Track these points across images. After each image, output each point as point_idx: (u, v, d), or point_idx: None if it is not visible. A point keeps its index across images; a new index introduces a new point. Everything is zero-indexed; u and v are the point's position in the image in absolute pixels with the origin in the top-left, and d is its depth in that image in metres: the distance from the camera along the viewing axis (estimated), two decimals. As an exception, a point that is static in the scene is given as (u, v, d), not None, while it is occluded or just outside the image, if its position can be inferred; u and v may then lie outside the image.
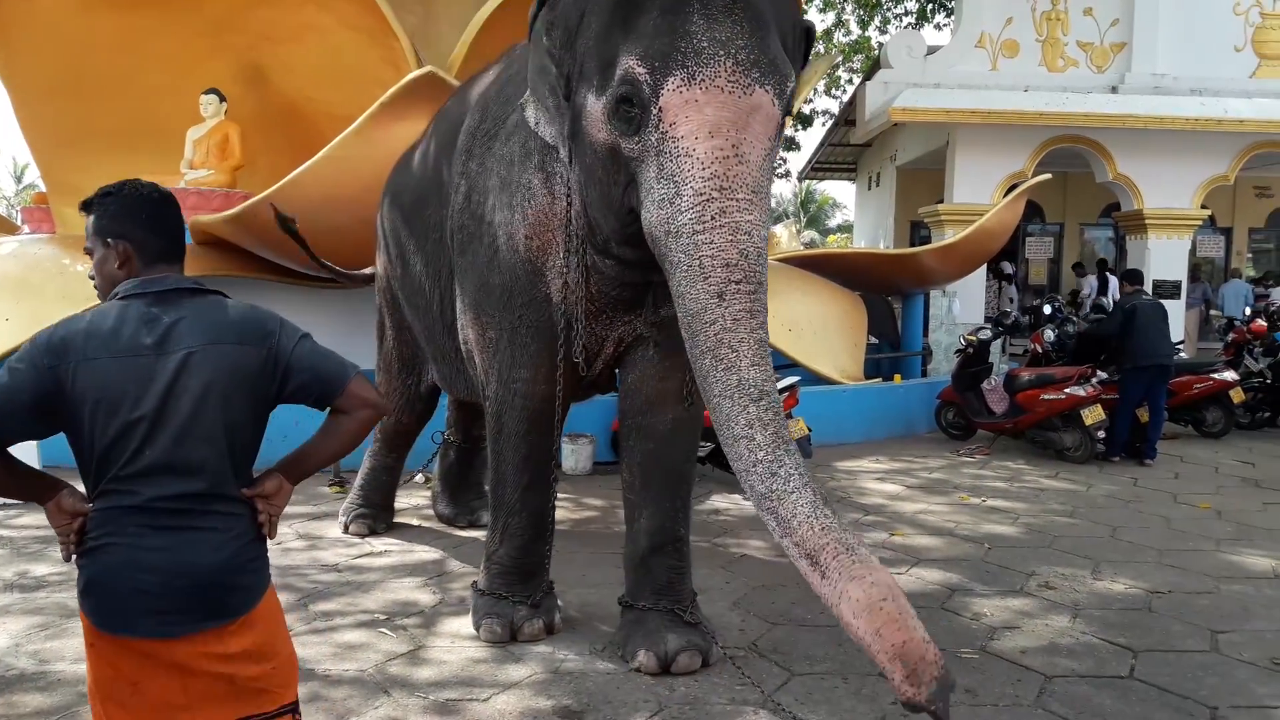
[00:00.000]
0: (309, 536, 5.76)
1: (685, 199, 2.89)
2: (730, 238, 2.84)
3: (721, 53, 2.89)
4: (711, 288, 2.82)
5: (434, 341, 4.97)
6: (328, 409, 2.24)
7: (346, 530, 5.79)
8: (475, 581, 4.34)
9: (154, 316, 2.02)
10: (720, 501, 6.78)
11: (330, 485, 6.96)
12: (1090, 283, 15.35)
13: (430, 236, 4.65)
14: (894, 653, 2.32)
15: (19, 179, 36.52)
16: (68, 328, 2.00)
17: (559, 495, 6.78)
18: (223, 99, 9.48)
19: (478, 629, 4.13)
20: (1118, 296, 9.76)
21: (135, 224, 2.13)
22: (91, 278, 2.18)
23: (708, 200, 2.86)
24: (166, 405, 1.97)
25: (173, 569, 1.96)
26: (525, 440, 4.02)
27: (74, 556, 2.02)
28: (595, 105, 3.18)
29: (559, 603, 4.31)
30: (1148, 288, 12.39)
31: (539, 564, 4.21)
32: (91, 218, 2.14)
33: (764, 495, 2.64)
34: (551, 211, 3.66)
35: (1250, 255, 18.33)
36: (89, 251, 2.17)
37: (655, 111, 2.96)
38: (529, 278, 3.80)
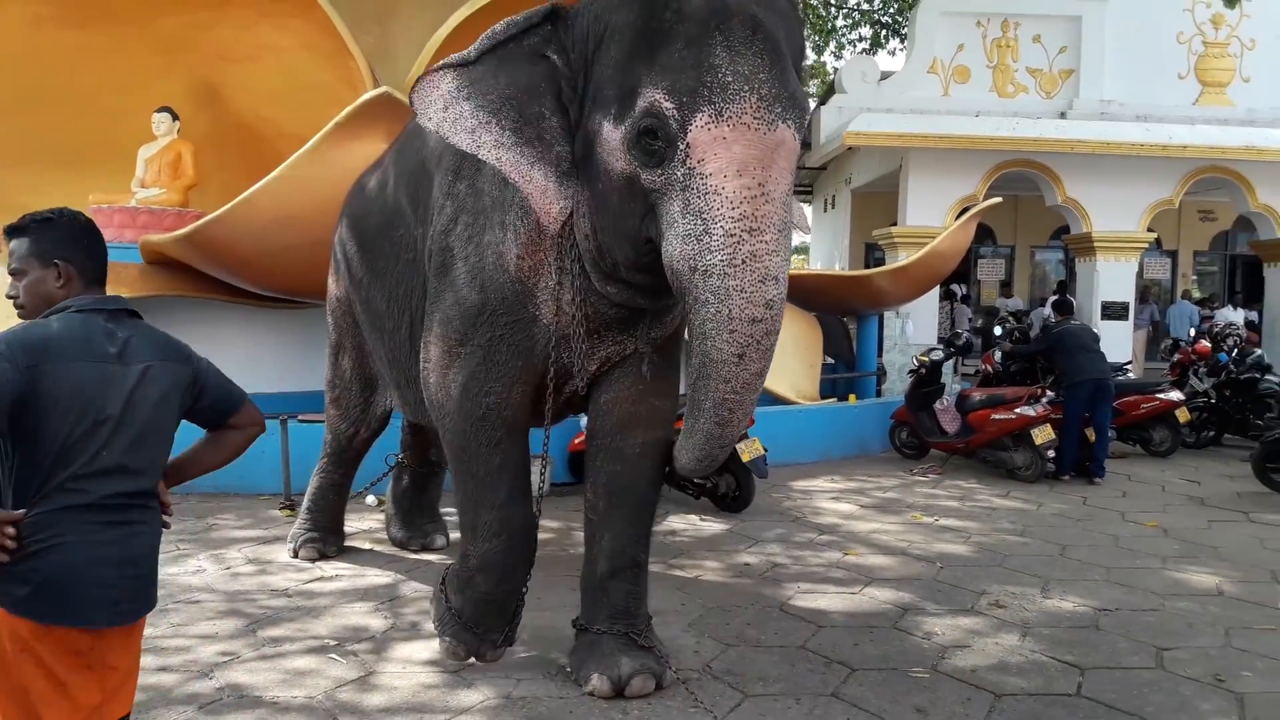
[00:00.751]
0: (258, 560, 5.67)
1: (715, 238, 2.91)
2: (759, 286, 2.90)
3: (746, 88, 2.91)
4: (734, 345, 2.93)
5: (398, 365, 4.84)
6: (212, 426, 2.51)
7: (296, 555, 5.70)
8: (444, 586, 4.12)
9: (111, 331, 2.24)
10: (677, 523, 6.79)
11: (281, 508, 6.87)
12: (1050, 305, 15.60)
13: (401, 258, 4.52)
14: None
15: (-35, 196, 35.86)
16: (41, 331, 2.14)
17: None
18: (175, 117, 9.39)
19: (440, 638, 4.08)
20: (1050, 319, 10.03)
21: (78, 248, 2.31)
22: (11, 296, 2.31)
23: (738, 242, 2.89)
24: (127, 411, 2.19)
25: (123, 560, 2.18)
26: (498, 450, 3.85)
27: None
28: (612, 133, 3.14)
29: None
30: (1096, 309, 12.70)
31: (516, 594, 4.01)
32: (27, 240, 2.30)
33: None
34: (544, 231, 3.55)
35: (1195, 277, 18.76)
36: (17, 273, 2.29)
37: (682, 147, 2.96)
38: (517, 297, 3.69)
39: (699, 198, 2.95)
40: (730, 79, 2.92)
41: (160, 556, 4.97)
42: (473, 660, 4.03)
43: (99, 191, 9.33)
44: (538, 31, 3.32)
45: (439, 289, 4.00)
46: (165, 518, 2.37)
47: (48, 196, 10.63)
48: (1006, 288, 15.64)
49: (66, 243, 2.29)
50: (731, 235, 2.90)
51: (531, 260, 3.63)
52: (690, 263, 2.98)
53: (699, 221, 2.95)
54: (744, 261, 2.89)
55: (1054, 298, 15.16)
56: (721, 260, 2.90)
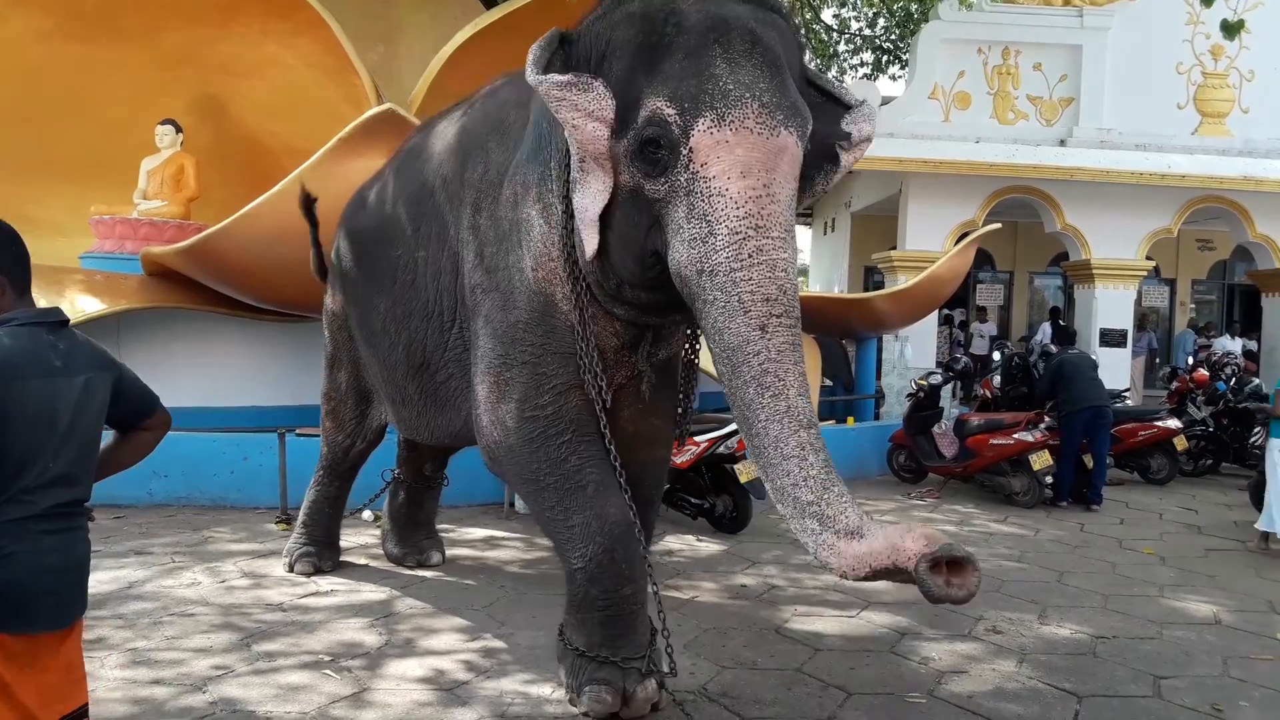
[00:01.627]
0: (253, 575, 5.65)
1: (720, 237, 2.94)
2: (769, 274, 2.92)
3: (747, 95, 2.96)
4: (754, 321, 2.91)
5: (394, 384, 4.84)
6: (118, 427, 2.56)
7: (291, 570, 5.68)
8: (563, 635, 3.85)
9: (54, 344, 2.27)
10: (674, 543, 6.76)
11: (277, 522, 6.85)
12: (1044, 329, 15.59)
13: (399, 278, 4.52)
14: (925, 539, 2.76)
15: (-34, 206, 35.96)
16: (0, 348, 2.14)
17: (508, 536, 6.76)
18: (179, 130, 9.42)
19: (578, 697, 3.69)
20: (1046, 344, 10.09)
21: (7, 258, 2.31)
22: None
23: (744, 238, 2.92)
24: (74, 423, 2.26)
25: (66, 565, 2.25)
26: (569, 452, 3.64)
27: None
28: (614, 148, 3.16)
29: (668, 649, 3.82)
30: (1095, 335, 12.72)
31: (640, 601, 3.69)
32: None
33: (810, 502, 2.82)
34: (551, 240, 3.56)
35: (1193, 306, 18.80)
36: None
37: (685, 152, 3.00)
38: (544, 307, 3.66)
39: (703, 201, 2.97)
40: (731, 87, 2.97)
41: (155, 569, 4.95)
42: (620, 706, 3.62)
43: (101, 203, 9.35)
44: (558, 56, 3.31)
45: (477, 330, 3.95)
46: (89, 522, 2.42)
47: (50, 207, 10.72)
48: (981, 312, 15.67)
49: None
50: (737, 234, 2.92)
51: (544, 271, 3.63)
52: (697, 266, 2.99)
53: (704, 224, 2.97)
54: (750, 256, 2.92)
55: (1047, 324, 15.29)
56: (727, 258, 2.92)
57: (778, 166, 2.99)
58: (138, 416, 2.52)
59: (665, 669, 3.79)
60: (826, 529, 2.78)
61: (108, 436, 2.53)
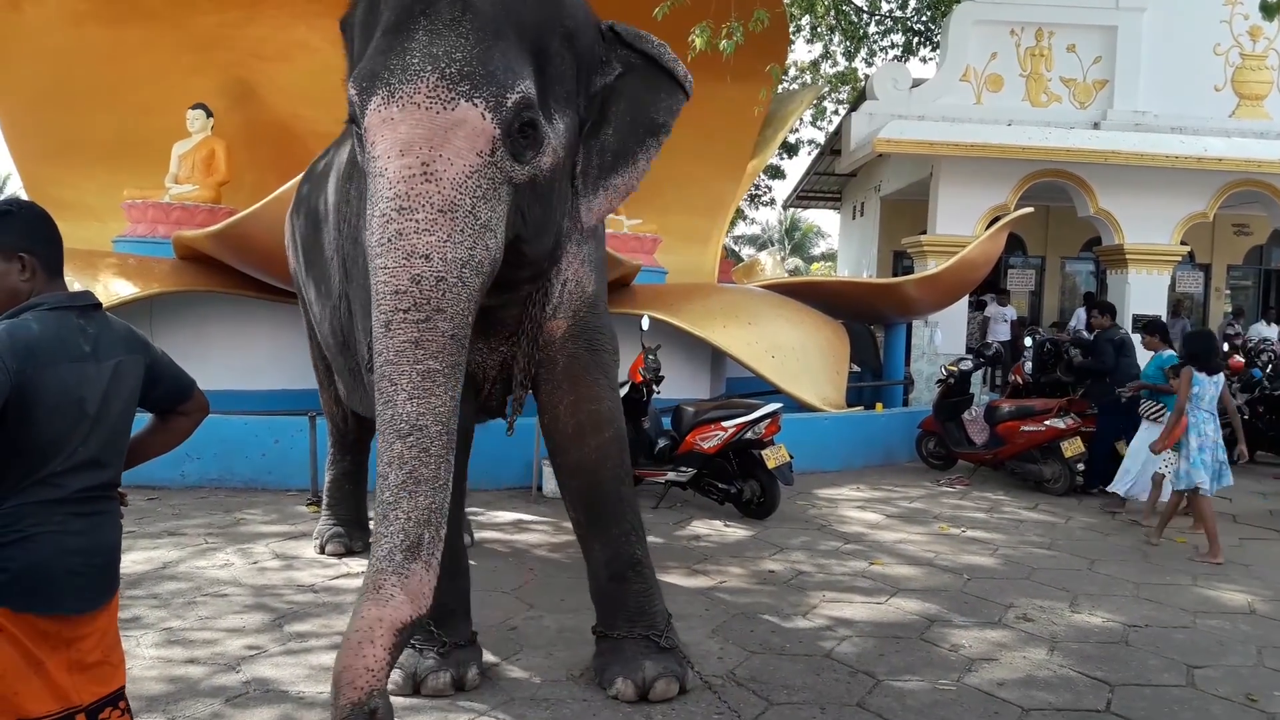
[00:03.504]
0: (284, 556, 5.70)
1: (374, 220, 2.83)
2: (403, 262, 2.74)
3: (429, 68, 2.82)
4: (381, 317, 2.77)
5: (334, 356, 4.90)
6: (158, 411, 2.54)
7: (322, 551, 5.73)
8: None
9: (83, 327, 2.24)
10: (701, 528, 6.76)
11: (307, 504, 6.90)
12: (1079, 315, 15.40)
13: (324, 257, 4.55)
14: (336, 670, 2.62)
15: (0, 189, 36.33)
16: (25, 333, 2.13)
17: (537, 520, 6.78)
18: (209, 114, 9.47)
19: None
20: (1081, 330, 9.80)
21: (39, 239, 2.28)
22: None
23: (387, 221, 2.78)
24: (103, 408, 2.23)
25: (91, 549, 2.22)
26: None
27: None
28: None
29: (481, 656, 3.96)
30: (1128, 322, 12.54)
31: (449, 610, 3.81)
32: None
33: (373, 533, 2.76)
34: None
35: (1229, 292, 18.53)
36: None
37: (362, 132, 2.94)
38: None
39: (371, 181, 2.89)
40: (415, 60, 2.84)
41: (188, 549, 5.00)
42: (414, 691, 3.78)
43: (133, 187, 9.43)
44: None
45: (357, 297, 3.96)
46: (122, 506, 2.40)
47: (83, 191, 10.83)
48: (1003, 295, 15.35)
49: (28, 234, 2.27)
50: (384, 216, 2.79)
51: None
52: (365, 249, 2.92)
53: (370, 205, 2.89)
54: (389, 240, 2.76)
55: (1082, 310, 15.07)
56: (375, 240, 2.81)
57: (447, 142, 2.81)
58: (174, 400, 2.49)
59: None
60: (372, 564, 2.72)
61: (145, 420, 2.52)
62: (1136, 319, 12.68)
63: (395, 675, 3.77)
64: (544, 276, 3.59)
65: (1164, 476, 7.13)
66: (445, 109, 2.81)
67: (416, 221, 2.75)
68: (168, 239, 8.57)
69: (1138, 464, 7.52)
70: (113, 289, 7.72)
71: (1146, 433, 7.42)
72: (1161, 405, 7.36)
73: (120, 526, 2.36)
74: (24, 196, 11.68)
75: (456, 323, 2.78)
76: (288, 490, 7.38)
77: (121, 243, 9.08)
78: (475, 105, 2.83)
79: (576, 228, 3.57)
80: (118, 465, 2.32)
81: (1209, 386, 6.67)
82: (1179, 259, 13.44)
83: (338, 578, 5.31)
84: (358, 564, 5.57)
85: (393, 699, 3.67)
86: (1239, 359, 10.70)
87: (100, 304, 2.36)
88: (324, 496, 6.04)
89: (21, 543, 2.11)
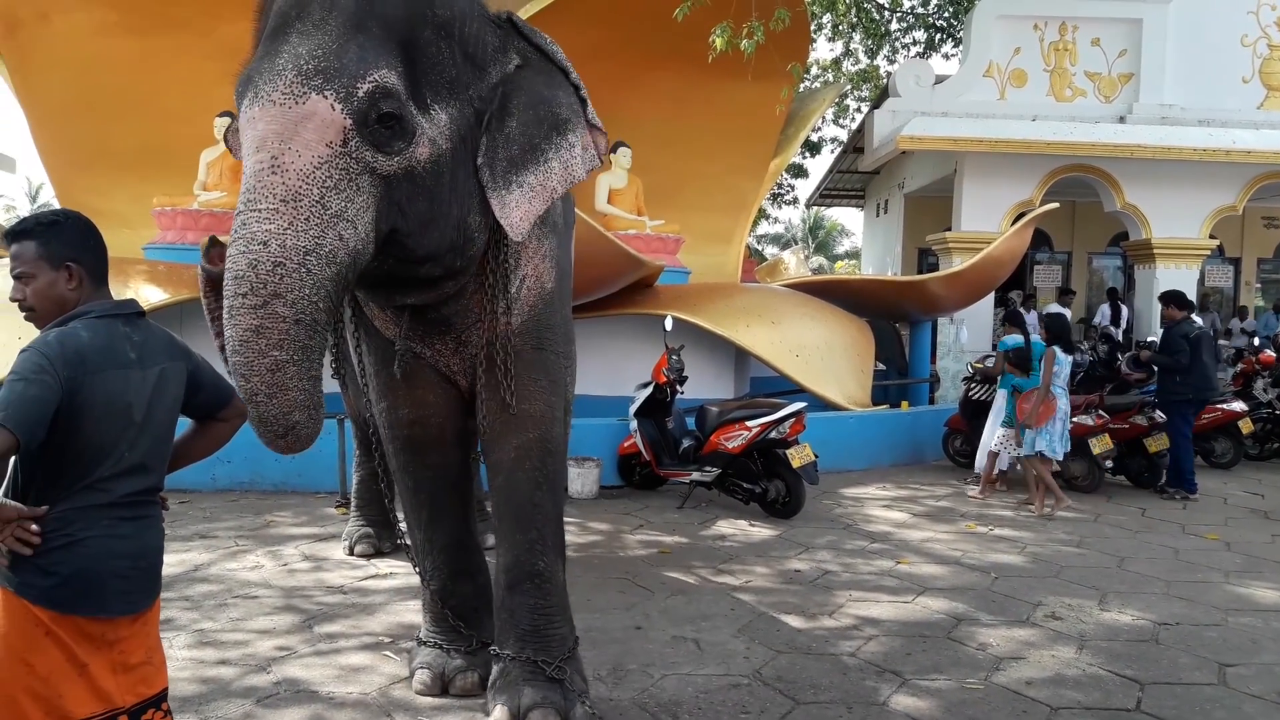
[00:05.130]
0: (314, 558, 5.76)
1: (236, 217, 2.82)
2: (243, 249, 2.68)
3: (289, 66, 2.81)
4: (226, 304, 2.69)
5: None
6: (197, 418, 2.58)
7: (351, 552, 5.79)
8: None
9: (129, 335, 2.31)
10: (725, 528, 6.77)
11: (336, 506, 6.97)
12: (1103, 311, 15.28)
13: None
14: None
15: (34, 198, 36.83)
16: (75, 340, 2.18)
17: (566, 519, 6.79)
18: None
19: (411, 679, 3.89)
20: (1107, 325, 9.55)
21: (85, 249, 2.34)
22: (16, 300, 2.31)
23: (240, 214, 2.75)
24: (148, 415, 2.29)
25: (137, 553, 2.29)
26: (406, 472, 3.89)
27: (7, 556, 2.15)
28: None
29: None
30: (1156, 316, 12.37)
31: (470, 607, 3.91)
32: (34, 244, 2.29)
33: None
34: None
35: (1259, 285, 18.31)
36: (24, 276, 2.29)
37: (239, 135, 2.95)
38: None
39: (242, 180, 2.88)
40: (282, 61, 2.83)
41: (219, 552, 5.05)
42: (443, 691, 3.84)
43: (162, 194, 9.54)
44: None
45: None
46: (163, 510, 2.45)
47: (114, 198, 10.90)
48: (1030, 300, 14.96)
49: (75, 244, 2.32)
50: (239, 210, 2.78)
51: None
52: None
53: None
54: (236, 231, 2.74)
55: (1106, 305, 14.90)
56: (233, 235, 2.77)
57: (296, 135, 2.77)
58: (213, 407, 2.54)
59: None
60: None
61: (184, 426, 2.57)
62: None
63: (424, 675, 3.83)
64: (462, 273, 3.42)
65: (999, 453, 8.03)
66: (297, 103, 2.79)
67: (259, 211, 2.72)
68: (197, 245, 8.65)
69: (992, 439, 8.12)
70: (143, 295, 7.80)
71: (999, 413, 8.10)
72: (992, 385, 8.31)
73: (163, 530, 2.42)
74: (57, 205, 11.83)
75: (299, 308, 2.70)
76: (316, 493, 7.45)
77: (151, 249, 9.18)
78: (325, 97, 2.80)
79: (502, 225, 3.35)
80: (161, 470, 2.38)
81: (1066, 365, 7.58)
82: (1208, 253, 13.31)
83: (367, 579, 5.36)
84: (386, 565, 5.62)
85: (421, 699, 3.74)
86: (1270, 354, 10.56)
87: (144, 312, 2.41)
88: (352, 498, 6.13)
89: (71, 547, 2.16)
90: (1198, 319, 9.32)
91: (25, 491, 2.18)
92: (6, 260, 2.45)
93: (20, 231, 2.31)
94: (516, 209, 3.29)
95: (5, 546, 2.11)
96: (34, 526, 2.12)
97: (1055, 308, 13.45)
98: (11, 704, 2.14)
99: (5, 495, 2.17)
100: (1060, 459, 7.60)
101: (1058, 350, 7.51)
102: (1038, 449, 7.42)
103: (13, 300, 2.32)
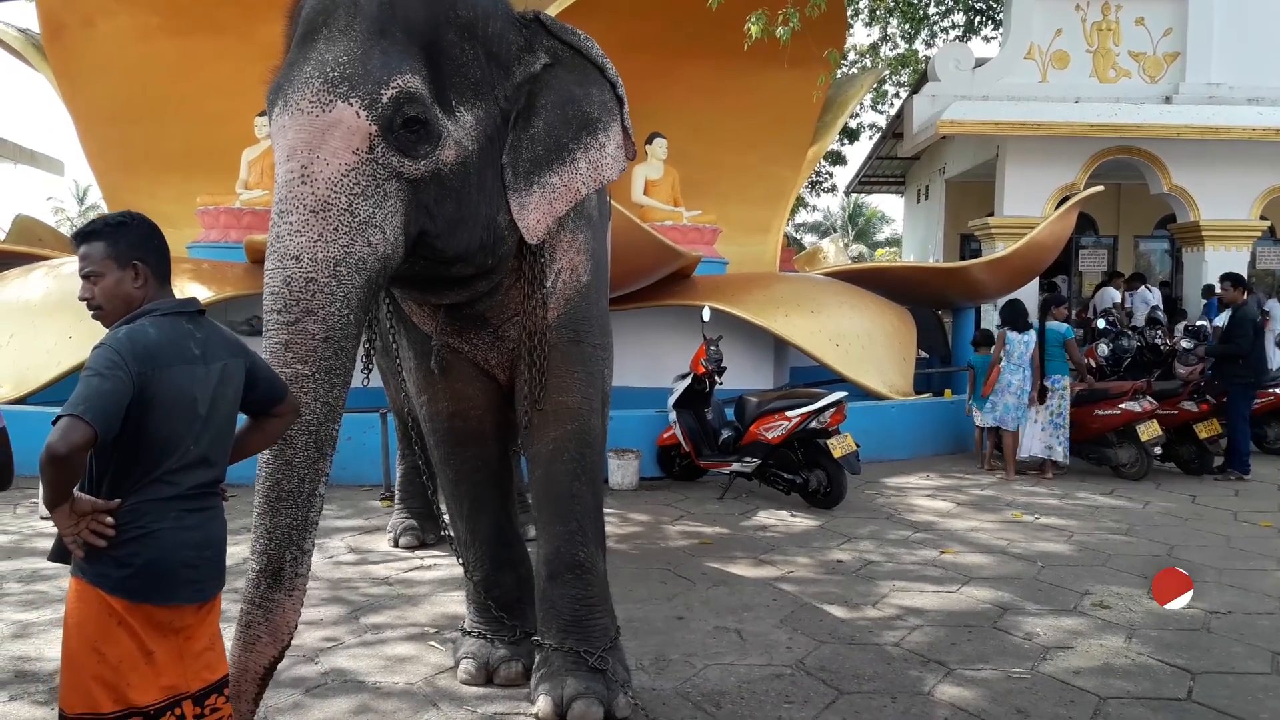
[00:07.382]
0: (359, 550, 5.83)
1: (270, 230, 2.86)
2: (277, 265, 2.76)
3: (316, 74, 2.84)
4: (266, 321, 2.79)
5: (378, 356, 4.78)
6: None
7: (396, 544, 5.86)
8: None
9: (192, 332, 2.37)
10: (767, 518, 6.75)
11: (381, 499, 7.05)
12: (1146, 295, 14.96)
13: None
14: None
15: (81, 200, 37.50)
16: (144, 337, 2.26)
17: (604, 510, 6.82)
18: (277, 120, 9.64)
19: (456, 669, 3.92)
20: (1136, 306, 9.38)
21: (150, 249, 2.42)
22: (85, 299, 2.38)
23: (274, 225, 2.80)
24: (212, 409, 2.36)
25: (204, 543, 2.36)
26: (447, 465, 3.92)
27: (82, 547, 2.20)
28: None
29: None
30: (1199, 302, 12.14)
31: (513, 598, 3.94)
32: (102, 244, 2.36)
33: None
34: None
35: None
36: (92, 275, 2.36)
37: (272, 145, 2.98)
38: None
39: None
40: (310, 69, 2.86)
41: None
42: (488, 680, 3.88)
43: (205, 193, 9.68)
44: None
45: None
46: (223, 501, 2.52)
47: (158, 198, 11.09)
48: (1136, 279, 14.62)
49: (141, 244, 2.39)
50: (273, 221, 2.82)
51: None
52: None
53: None
54: (271, 244, 2.79)
55: (1157, 288, 14.60)
56: (269, 248, 2.82)
57: (324, 144, 2.81)
58: (269, 403, 2.59)
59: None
60: (244, 592, 2.80)
61: (240, 421, 2.61)
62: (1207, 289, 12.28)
63: (469, 665, 3.85)
64: (495, 271, 3.43)
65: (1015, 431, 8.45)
66: (324, 112, 2.82)
67: (290, 224, 2.77)
68: (240, 243, 8.78)
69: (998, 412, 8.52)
70: (188, 292, 7.92)
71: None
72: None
73: (225, 521, 2.49)
74: (105, 207, 12.05)
75: (329, 324, 2.76)
76: (361, 486, 7.53)
77: (195, 248, 9.34)
78: (350, 104, 2.83)
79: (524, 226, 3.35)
80: (223, 463, 2.45)
81: (1018, 344, 8.26)
82: (1259, 234, 13.03)
83: (411, 570, 5.41)
84: (431, 556, 5.67)
85: (467, 688, 3.77)
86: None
87: (204, 309, 2.47)
88: (396, 491, 6.20)
89: (144, 538, 2.23)
90: None
91: (97, 485, 2.24)
92: (67, 262, 2.52)
93: (89, 233, 2.39)
94: (534, 211, 3.30)
95: (82, 539, 2.18)
96: (108, 519, 2.19)
97: (1112, 291, 13.27)
98: (84, 691, 2.21)
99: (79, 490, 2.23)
100: (1013, 430, 8.37)
101: (1009, 331, 8.32)
102: (995, 421, 8.45)
103: (81, 299, 2.39)
